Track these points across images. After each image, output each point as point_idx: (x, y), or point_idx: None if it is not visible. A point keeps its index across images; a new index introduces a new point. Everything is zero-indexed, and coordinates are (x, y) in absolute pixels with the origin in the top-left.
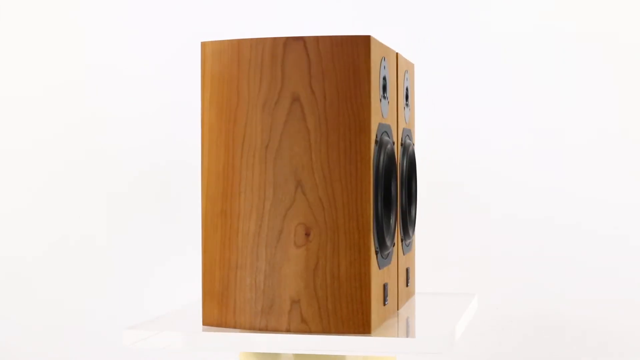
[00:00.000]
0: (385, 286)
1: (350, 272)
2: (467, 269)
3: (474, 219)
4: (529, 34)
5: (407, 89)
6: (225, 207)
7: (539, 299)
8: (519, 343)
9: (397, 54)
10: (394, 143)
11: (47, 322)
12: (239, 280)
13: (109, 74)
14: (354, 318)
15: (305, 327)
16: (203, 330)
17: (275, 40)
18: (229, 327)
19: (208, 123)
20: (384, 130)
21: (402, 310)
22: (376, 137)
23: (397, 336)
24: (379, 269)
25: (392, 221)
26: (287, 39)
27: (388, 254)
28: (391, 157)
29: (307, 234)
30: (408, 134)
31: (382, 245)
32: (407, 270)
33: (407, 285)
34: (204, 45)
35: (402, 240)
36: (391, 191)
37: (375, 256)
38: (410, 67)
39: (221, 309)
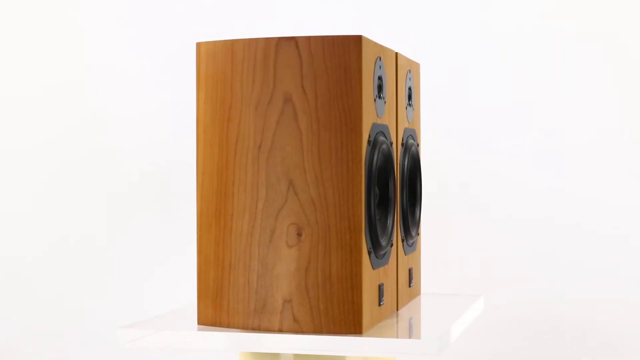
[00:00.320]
0: (380, 286)
1: (341, 272)
2: (466, 269)
3: (474, 219)
4: (529, 34)
5: (409, 89)
6: (219, 206)
7: (539, 299)
8: (519, 343)
9: (396, 53)
10: (392, 143)
11: (47, 322)
12: (233, 280)
13: (109, 74)
14: (346, 318)
15: (297, 327)
16: (197, 330)
17: (267, 40)
18: (223, 327)
19: (203, 123)
20: (380, 130)
21: (403, 311)
22: (369, 137)
23: (389, 337)
24: (373, 269)
25: (389, 221)
26: (280, 39)
27: (384, 254)
28: (388, 157)
29: (299, 234)
30: (411, 134)
31: (376, 246)
32: (409, 270)
33: (410, 286)
34: (199, 45)
35: (403, 241)
36: (389, 191)
37: (368, 256)
38: (414, 66)
39: (215, 309)
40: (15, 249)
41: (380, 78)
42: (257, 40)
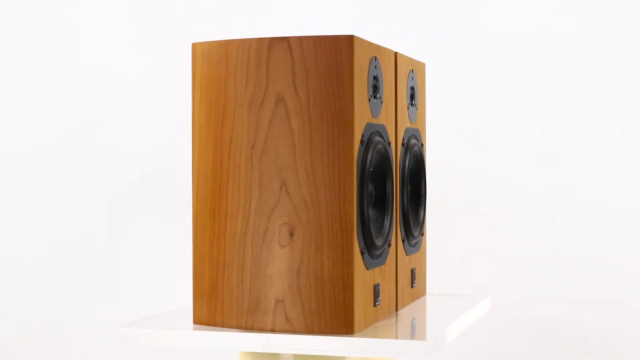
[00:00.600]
0: (376, 287)
1: (333, 272)
2: (466, 269)
3: (473, 219)
4: (529, 34)
5: (412, 89)
6: (213, 206)
7: (538, 299)
8: (519, 343)
9: (395, 53)
10: (390, 143)
11: (47, 322)
12: (227, 280)
13: (109, 74)
14: (337, 318)
15: (289, 327)
16: (192, 329)
17: (260, 40)
18: (218, 326)
19: (198, 123)
20: (375, 130)
21: (404, 311)
22: (362, 136)
23: (381, 337)
24: (367, 269)
25: (386, 221)
26: (272, 39)
27: (380, 255)
28: (384, 157)
29: (291, 234)
30: (414, 133)
31: (370, 246)
32: (412, 270)
33: (412, 286)
34: (194, 46)
35: (403, 241)
36: (386, 191)
37: (360, 256)
38: (417, 66)
39: (210, 308)
40: (15, 249)
41: (375, 78)
42: (250, 40)
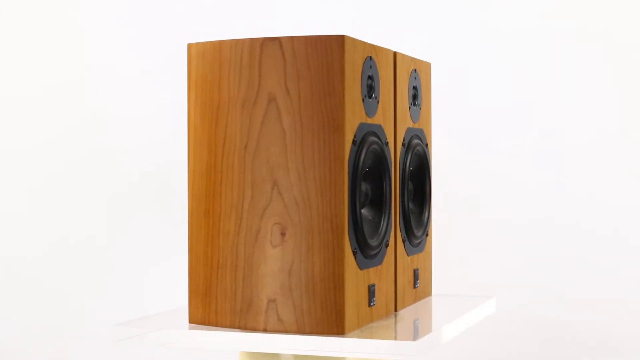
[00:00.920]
0: (370, 287)
1: (324, 272)
2: (465, 269)
3: (473, 219)
4: (529, 34)
5: (414, 88)
6: (208, 206)
7: (538, 299)
8: (519, 343)
9: (394, 53)
10: (387, 143)
11: (47, 322)
12: (220, 280)
13: (109, 74)
14: (328, 318)
15: (281, 327)
16: (186, 328)
17: (253, 41)
18: (212, 326)
19: (193, 123)
20: (370, 130)
21: (404, 312)
22: (354, 136)
23: (372, 338)
24: (360, 269)
25: (383, 221)
26: (264, 39)
27: (375, 255)
28: (380, 157)
29: (283, 234)
30: (417, 133)
31: (363, 246)
32: (414, 271)
33: (415, 286)
34: (189, 46)
35: (404, 241)
36: (383, 191)
37: (352, 257)
38: (421, 66)
39: (205, 308)
40: (15, 249)
41: (371, 77)
42: (243, 40)
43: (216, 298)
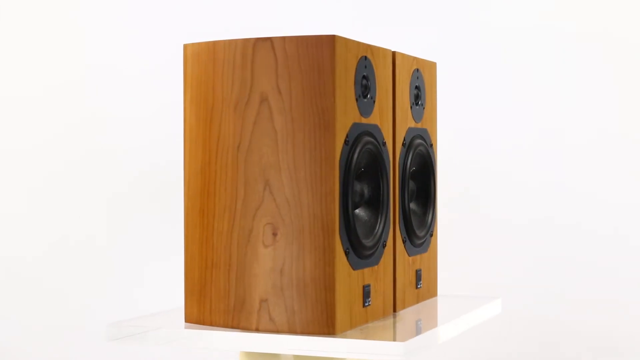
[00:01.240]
0: (365, 287)
1: (315, 272)
2: (465, 269)
3: (473, 219)
4: (529, 33)
5: (417, 88)
6: (203, 206)
7: (538, 299)
8: (519, 343)
9: (393, 52)
10: (384, 143)
11: (47, 322)
12: (214, 279)
13: (109, 74)
14: (319, 319)
15: (272, 327)
16: (183, 328)
17: (245, 41)
18: (206, 325)
19: (189, 123)
20: (365, 130)
21: (404, 312)
22: (347, 136)
23: (361, 339)
24: (353, 269)
25: (380, 221)
26: (257, 39)
27: (370, 255)
28: (376, 157)
29: (275, 234)
30: (420, 133)
31: (356, 246)
32: (416, 271)
33: (417, 287)
34: (185, 47)
35: (404, 241)
36: (380, 191)
37: (345, 257)
38: (425, 65)
39: (199, 307)
40: (15, 249)
41: (366, 77)
42: (236, 41)
43: (210, 297)
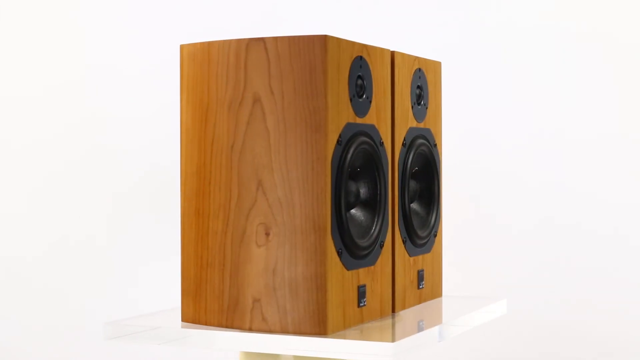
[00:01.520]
0: (360, 287)
1: (306, 272)
2: (465, 269)
3: (473, 218)
4: (529, 34)
5: (419, 88)
6: (198, 206)
7: (538, 299)
8: (519, 343)
9: (392, 52)
10: (382, 143)
11: (47, 322)
12: (209, 279)
13: (108, 74)
14: (311, 319)
15: (265, 327)
16: (179, 327)
17: (239, 41)
18: (202, 325)
19: (185, 124)
20: (360, 130)
21: (404, 313)
22: (340, 137)
23: (352, 339)
24: (347, 269)
25: (376, 221)
26: (250, 40)
27: (366, 255)
28: (373, 157)
29: (267, 234)
30: (423, 133)
31: (350, 246)
32: (418, 272)
33: (419, 287)
34: (181, 47)
35: (404, 241)
36: (377, 191)
37: (337, 257)
38: (427, 65)
39: (195, 307)
40: (15, 249)
41: (361, 77)
42: (230, 41)
43: (206, 297)
